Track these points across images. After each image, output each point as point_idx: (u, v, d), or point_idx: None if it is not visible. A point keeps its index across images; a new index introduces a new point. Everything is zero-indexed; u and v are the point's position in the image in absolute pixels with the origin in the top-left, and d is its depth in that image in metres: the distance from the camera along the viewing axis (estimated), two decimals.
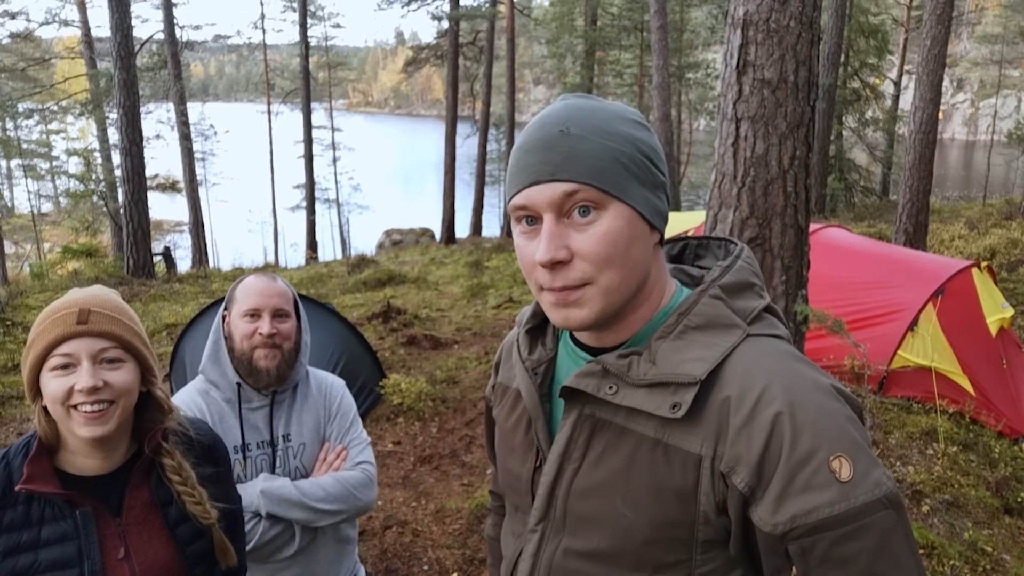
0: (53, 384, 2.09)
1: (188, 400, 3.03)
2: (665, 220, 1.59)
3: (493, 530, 2.33)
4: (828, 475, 1.34)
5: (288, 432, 3.11)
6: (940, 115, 14.55)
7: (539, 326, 1.85)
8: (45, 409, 2.15)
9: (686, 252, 1.86)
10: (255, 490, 2.92)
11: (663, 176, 1.58)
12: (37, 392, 2.16)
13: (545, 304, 1.54)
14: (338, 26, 47.85)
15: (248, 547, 2.83)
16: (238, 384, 3.03)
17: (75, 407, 2.09)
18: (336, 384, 3.35)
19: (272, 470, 3.05)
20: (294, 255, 37.97)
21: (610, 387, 1.54)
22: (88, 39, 32.75)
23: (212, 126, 46.72)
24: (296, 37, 39.51)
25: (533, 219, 1.52)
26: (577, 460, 1.60)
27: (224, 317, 3.11)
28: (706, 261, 1.81)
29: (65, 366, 2.10)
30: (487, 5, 37.08)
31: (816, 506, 1.33)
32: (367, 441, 3.31)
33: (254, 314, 2.99)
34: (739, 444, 1.40)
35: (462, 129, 37.76)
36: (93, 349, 2.12)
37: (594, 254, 1.46)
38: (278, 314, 3.02)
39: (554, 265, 1.47)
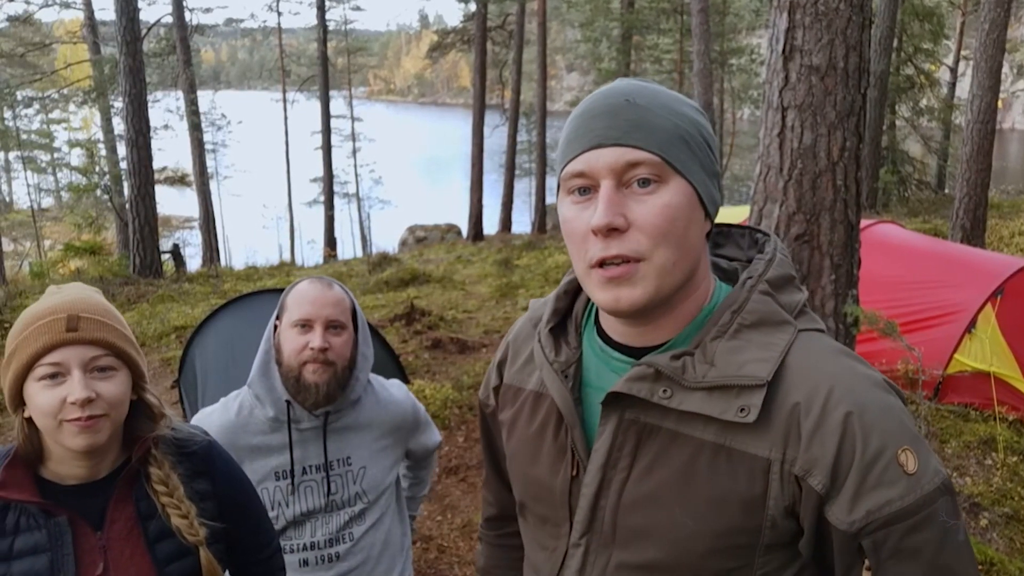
0: (42, 397, 2.04)
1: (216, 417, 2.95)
2: (717, 211, 1.61)
3: (486, 562, 2.28)
4: (897, 469, 1.43)
5: (348, 455, 3.00)
6: (999, 103, 14.43)
7: (560, 324, 1.83)
8: (28, 420, 2.11)
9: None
10: None
11: (718, 166, 1.62)
12: (20, 402, 2.11)
13: (593, 285, 1.53)
14: (358, 8, 47.59)
15: None
16: (287, 402, 2.89)
17: (66, 420, 2.04)
18: (404, 401, 3.25)
19: (327, 496, 2.95)
20: (311, 253, 38.01)
21: (664, 391, 1.53)
22: (91, 23, 32.80)
23: (224, 115, 46.98)
24: (313, 20, 39.67)
25: (587, 189, 1.52)
26: (624, 470, 1.60)
27: (276, 326, 2.96)
28: (727, 250, 1.81)
29: (53, 375, 2.05)
30: None
31: (888, 500, 1.43)
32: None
33: (305, 325, 2.83)
34: (814, 447, 1.46)
35: (490, 119, 37.72)
36: (84, 358, 2.08)
37: (652, 226, 1.47)
38: (332, 326, 2.85)
39: (609, 232, 1.47)
